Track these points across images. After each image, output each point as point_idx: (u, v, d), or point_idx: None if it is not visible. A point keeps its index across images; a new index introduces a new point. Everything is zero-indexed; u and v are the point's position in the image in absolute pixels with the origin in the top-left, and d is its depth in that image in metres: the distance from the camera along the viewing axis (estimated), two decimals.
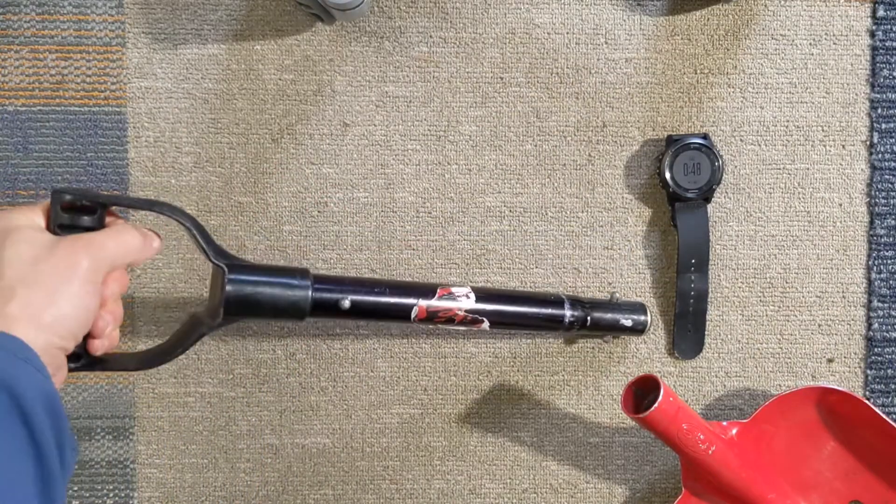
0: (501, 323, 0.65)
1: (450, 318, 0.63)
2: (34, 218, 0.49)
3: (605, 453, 0.72)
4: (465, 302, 0.63)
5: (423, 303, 0.62)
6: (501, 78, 0.70)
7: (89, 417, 0.70)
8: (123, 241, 0.50)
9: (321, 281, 0.59)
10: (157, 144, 0.70)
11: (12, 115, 0.69)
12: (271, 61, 0.69)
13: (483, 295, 0.64)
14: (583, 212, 0.71)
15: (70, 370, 0.52)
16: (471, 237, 0.70)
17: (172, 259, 0.70)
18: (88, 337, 0.50)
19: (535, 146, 0.70)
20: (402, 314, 0.61)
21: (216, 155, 0.70)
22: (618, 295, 0.70)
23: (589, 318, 0.67)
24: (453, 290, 0.63)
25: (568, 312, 0.66)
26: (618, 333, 0.69)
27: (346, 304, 0.59)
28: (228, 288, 0.54)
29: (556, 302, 0.67)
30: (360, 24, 0.69)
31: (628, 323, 0.68)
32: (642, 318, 0.69)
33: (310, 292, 0.57)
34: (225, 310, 0.55)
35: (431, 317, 0.62)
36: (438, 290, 0.63)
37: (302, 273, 0.58)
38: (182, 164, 0.70)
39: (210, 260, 0.55)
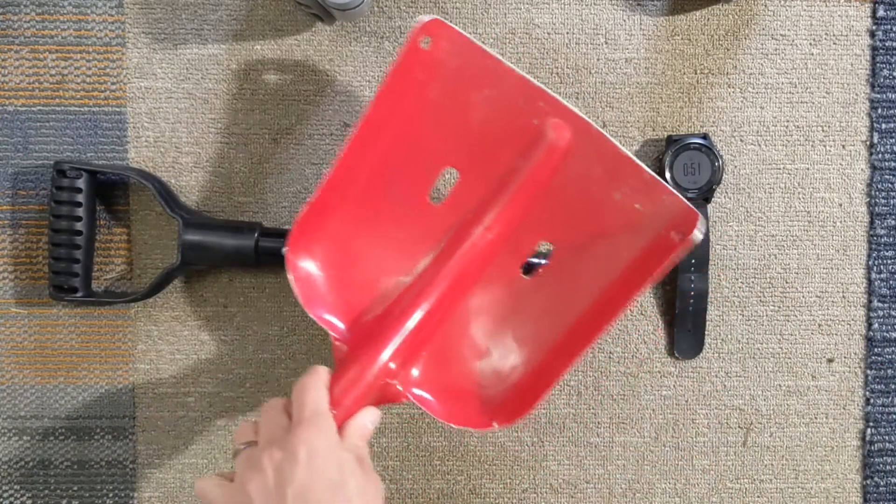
0: None
1: None
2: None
3: (605, 453, 0.72)
4: None
5: None
6: None
7: (89, 417, 0.70)
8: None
9: (268, 232, 0.67)
10: (157, 144, 0.70)
11: (12, 115, 0.69)
12: (271, 61, 0.69)
13: None
14: None
15: (66, 300, 0.67)
16: None
17: (173, 258, 0.70)
18: None
19: None
20: None
21: (216, 155, 0.70)
22: None
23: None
24: None
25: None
26: None
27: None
28: (183, 236, 0.65)
29: None
30: (360, 24, 0.69)
31: None
32: None
33: (254, 241, 0.66)
34: (182, 255, 0.65)
35: None
36: None
37: (251, 226, 0.67)
38: (182, 164, 0.70)
39: (168, 213, 0.66)
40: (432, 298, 0.59)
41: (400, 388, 0.58)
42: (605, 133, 0.56)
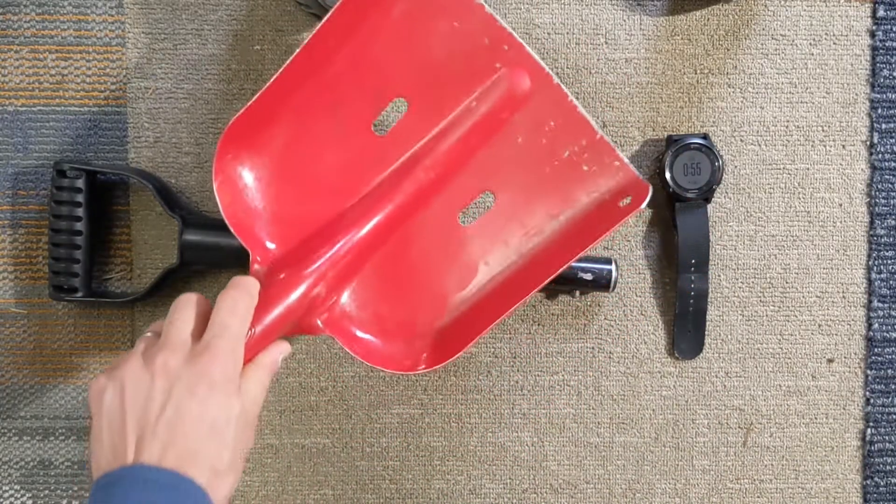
0: None
1: None
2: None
3: (605, 453, 0.72)
4: None
5: None
6: None
7: (89, 417, 0.70)
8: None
9: None
10: (156, 144, 0.70)
11: (12, 115, 0.69)
12: (271, 61, 0.69)
13: None
14: None
15: (66, 300, 0.67)
16: None
17: (173, 258, 0.70)
18: None
19: None
20: None
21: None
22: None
23: None
24: None
25: None
26: (581, 288, 0.68)
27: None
28: (183, 236, 0.65)
29: None
30: None
31: (588, 276, 0.66)
32: (606, 268, 0.67)
33: None
34: (182, 255, 0.65)
35: None
36: None
37: None
38: (182, 164, 0.70)
39: (168, 213, 0.66)
40: (365, 229, 0.58)
41: (320, 322, 0.56)
42: (564, 88, 0.56)
